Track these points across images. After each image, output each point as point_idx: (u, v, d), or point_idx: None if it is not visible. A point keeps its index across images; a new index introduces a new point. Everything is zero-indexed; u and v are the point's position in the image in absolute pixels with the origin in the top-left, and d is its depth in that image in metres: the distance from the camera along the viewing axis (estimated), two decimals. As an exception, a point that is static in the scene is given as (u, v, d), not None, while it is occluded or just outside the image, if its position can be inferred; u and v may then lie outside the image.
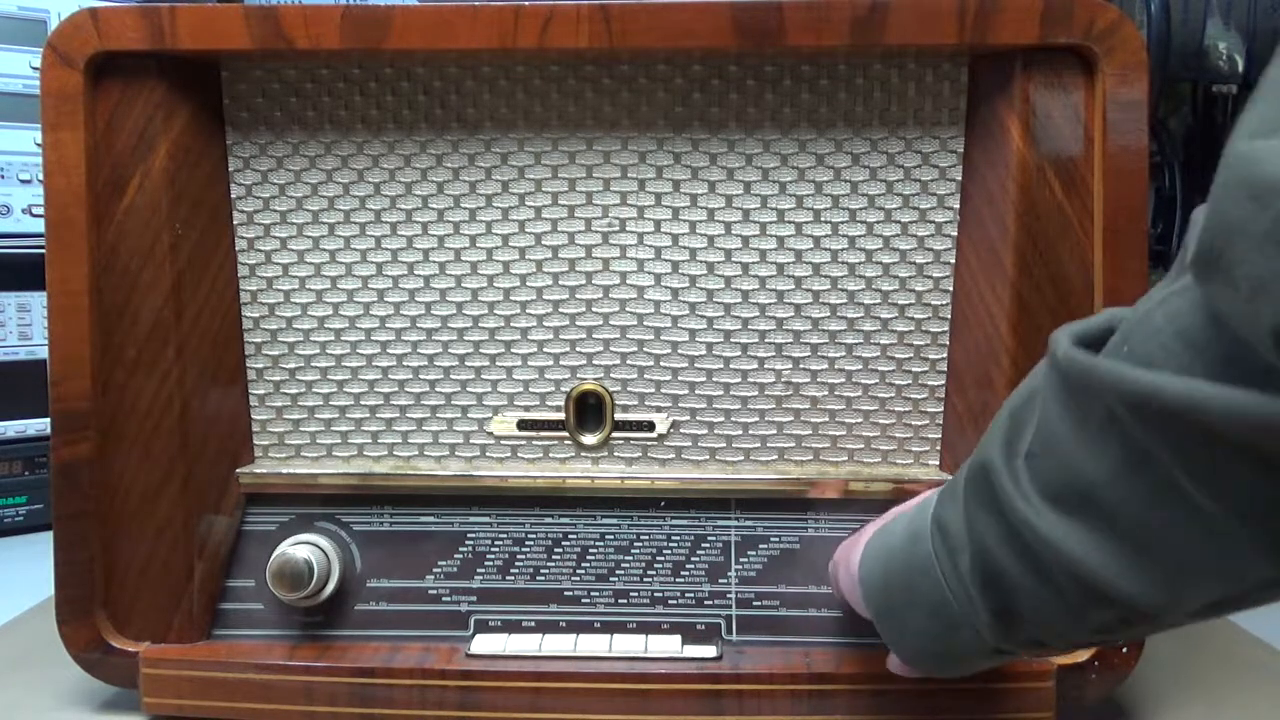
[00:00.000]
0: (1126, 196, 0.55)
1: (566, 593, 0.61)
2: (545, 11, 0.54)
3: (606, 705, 0.57)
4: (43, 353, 0.91)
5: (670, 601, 0.60)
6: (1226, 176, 0.28)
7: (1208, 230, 0.28)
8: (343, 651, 0.59)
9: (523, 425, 0.61)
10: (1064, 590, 0.36)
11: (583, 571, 0.61)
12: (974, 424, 0.58)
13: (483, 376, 0.61)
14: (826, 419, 0.61)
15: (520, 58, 0.58)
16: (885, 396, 0.60)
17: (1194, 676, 0.65)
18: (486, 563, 0.61)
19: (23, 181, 0.94)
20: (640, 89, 0.58)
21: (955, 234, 0.59)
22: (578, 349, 0.61)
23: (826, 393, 0.60)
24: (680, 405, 0.61)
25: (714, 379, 0.61)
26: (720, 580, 0.60)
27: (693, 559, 0.61)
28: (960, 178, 0.58)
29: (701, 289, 0.60)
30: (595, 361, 0.61)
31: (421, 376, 0.61)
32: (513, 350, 0.61)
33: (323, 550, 0.59)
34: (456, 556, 0.61)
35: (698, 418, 0.61)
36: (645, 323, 0.60)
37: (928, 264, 0.59)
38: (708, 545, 0.61)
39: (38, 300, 0.95)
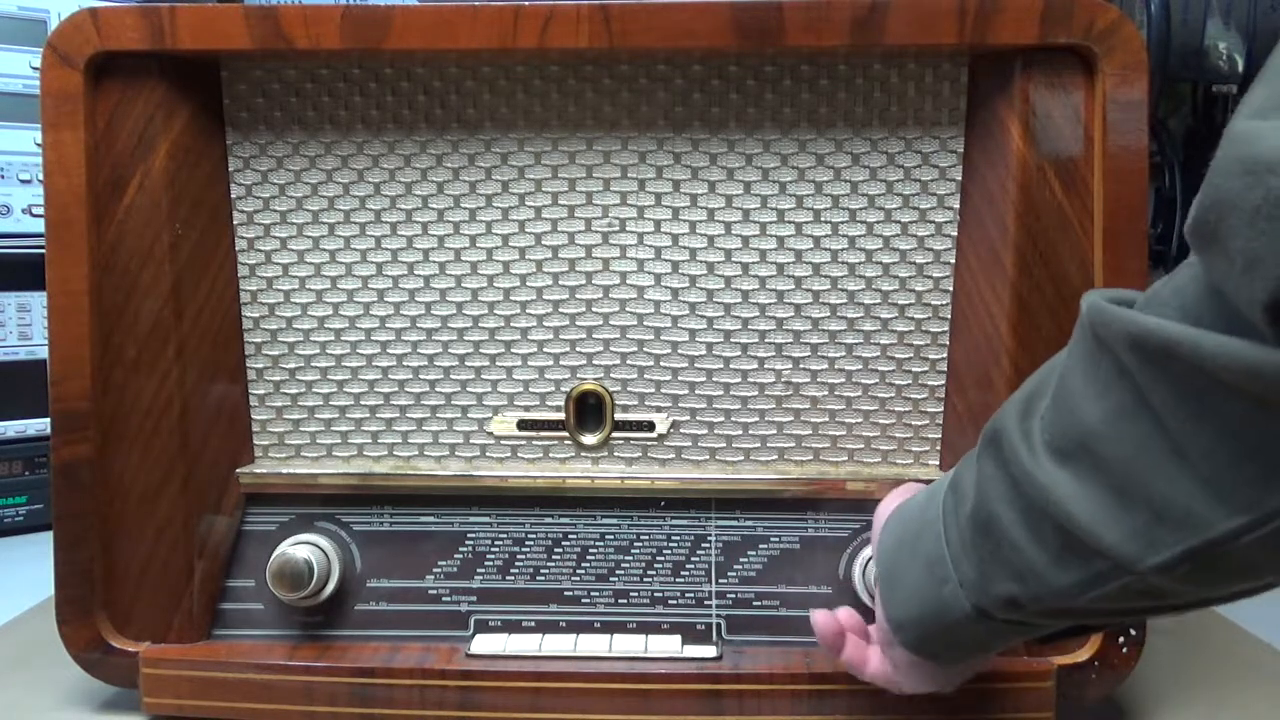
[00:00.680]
0: (1126, 196, 0.55)
1: (566, 593, 0.61)
2: (545, 11, 0.54)
3: (606, 705, 0.57)
4: (43, 353, 0.91)
5: (670, 601, 0.60)
6: (1224, 152, 0.29)
7: (1202, 204, 0.30)
8: (343, 651, 0.59)
9: (523, 425, 0.61)
10: (1047, 539, 0.38)
11: (583, 571, 0.61)
12: (974, 424, 0.58)
13: (483, 376, 0.61)
14: (826, 419, 0.61)
15: (520, 58, 0.58)
16: (885, 396, 0.60)
17: (1194, 676, 0.65)
18: (486, 563, 0.61)
19: (23, 181, 0.94)
20: (640, 89, 0.58)
21: (955, 234, 0.59)
22: (578, 349, 0.61)
23: (826, 393, 0.60)
24: (680, 405, 0.61)
25: (714, 379, 0.61)
26: (721, 580, 0.60)
27: (693, 559, 0.61)
28: (960, 178, 0.58)
29: (701, 289, 0.60)
30: (595, 361, 0.61)
31: (421, 376, 0.61)
32: (513, 350, 0.61)
33: (323, 550, 0.59)
34: (456, 556, 0.61)
35: (698, 418, 0.61)
36: (645, 323, 0.60)
37: (928, 264, 0.59)
38: (708, 545, 0.61)
39: (38, 300, 0.95)
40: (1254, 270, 0.28)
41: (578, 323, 0.60)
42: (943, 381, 0.60)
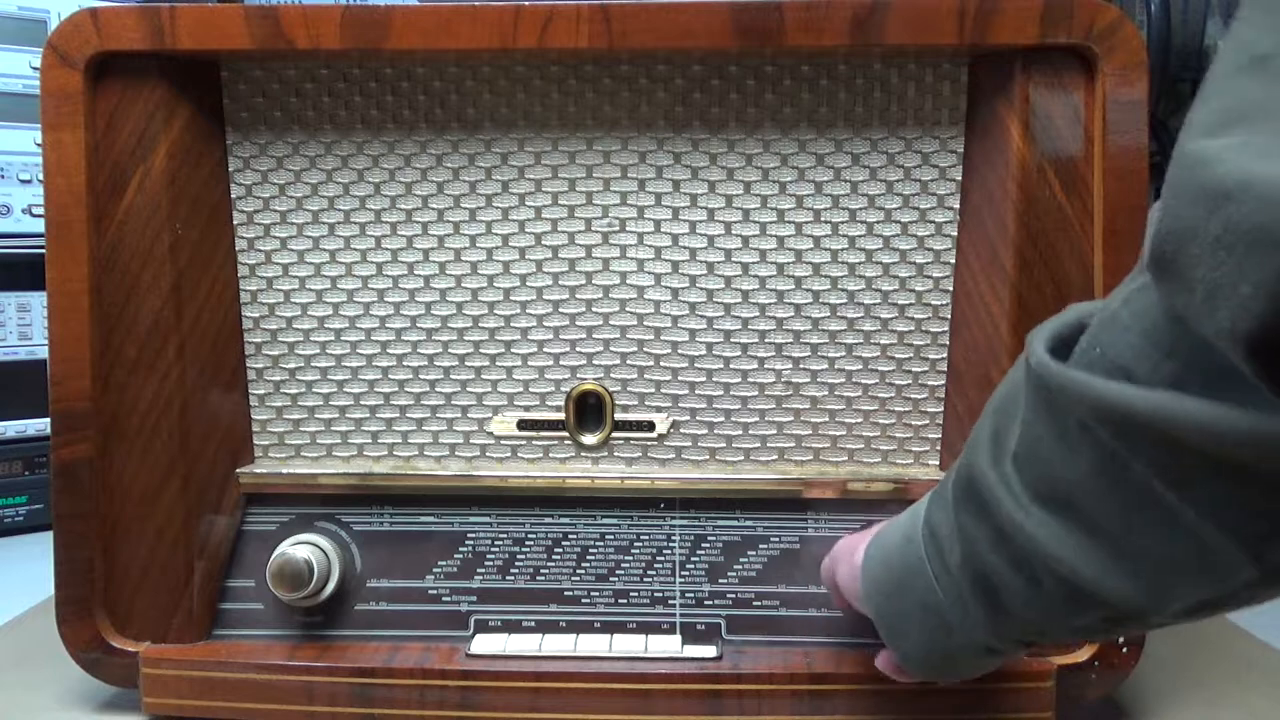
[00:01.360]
0: (1126, 196, 0.55)
1: (566, 593, 0.61)
2: (545, 12, 0.54)
3: (606, 705, 0.57)
4: (43, 353, 0.91)
5: (670, 601, 0.60)
6: (1177, 176, 0.28)
7: (1159, 233, 0.28)
8: (343, 651, 0.59)
9: (523, 425, 0.61)
10: (1050, 590, 0.37)
11: (583, 571, 0.61)
12: (974, 424, 0.58)
13: (483, 376, 0.61)
14: (826, 419, 0.61)
15: (520, 58, 0.58)
16: (885, 396, 0.60)
17: (1194, 676, 0.65)
18: (486, 563, 0.61)
19: (23, 181, 0.94)
20: (640, 89, 0.58)
21: (955, 234, 0.59)
22: (578, 349, 0.61)
23: (826, 393, 0.60)
24: (680, 405, 0.61)
25: (714, 379, 0.61)
26: (720, 580, 0.60)
27: (693, 559, 0.61)
28: (960, 178, 0.58)
29: (701, 289, 0.60)
30: (595, 361, 0.61)
31: (421, 376, 0.61)
32: (513, 350, 0.61)
33: (323, 550, 0.59)
34: (456, 556, 0.61)
35: (698, 418, 0.61)
36: (645, 323, 0.60)
37: (928, 264, 0.59)
38: (708, 545, 0.61)
39: (38, 300, 0.95)
40: (1215, 299, 0.26)
41: (578, 323, 0.60)
42: (943, 381, 0.60)
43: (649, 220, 0.59)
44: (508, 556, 0.61)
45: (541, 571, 0.61)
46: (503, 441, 0.62)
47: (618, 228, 0.60)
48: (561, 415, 0.61)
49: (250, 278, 0.61)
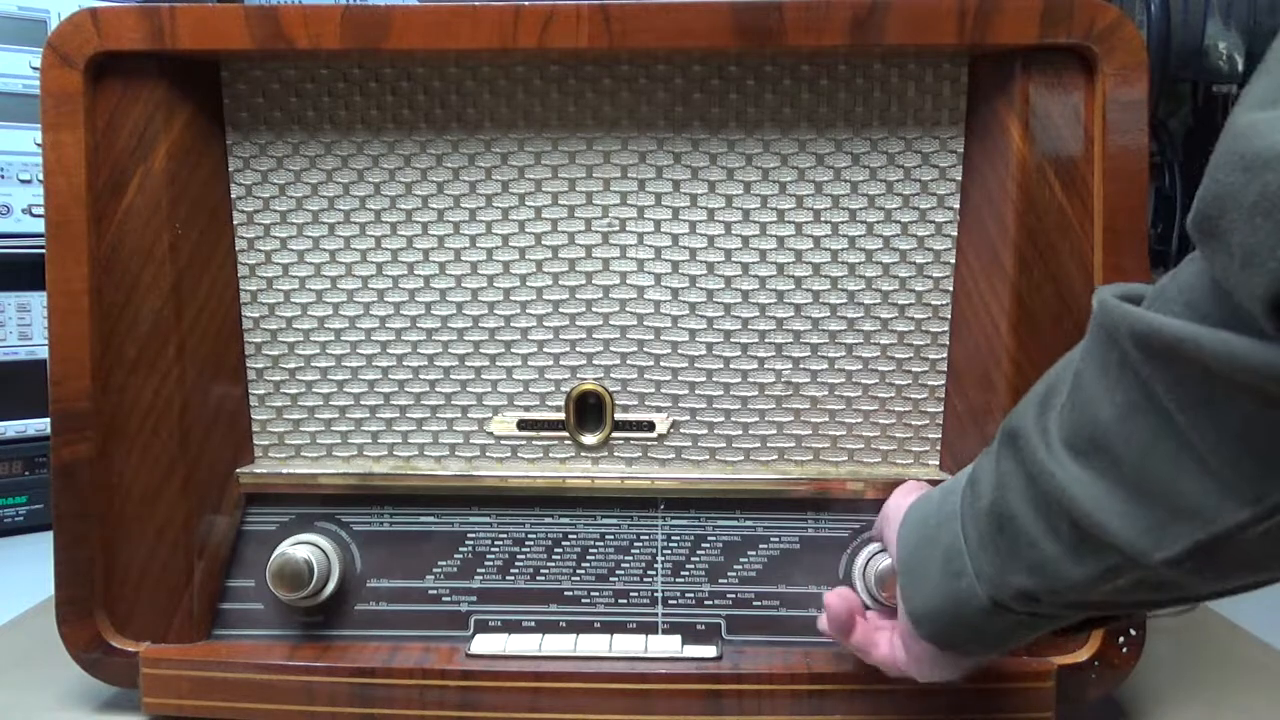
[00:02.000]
0: (1126, 196, 0.55)
1: (566, 593, 0.61)
2: (545, 11, 0.54)
3: (606, 705, 0.57)
4: (43, 353, 0.91)
5: (670, 601, 0.60)
6: (1224, 146, 0.29)
7: (1203, 198, 0.30)
8: (343, 651, 0.59)
9: (523, 425, 0.61)
10: (1062, 534, 0.39)
11: (583, 571, 0.61)
12: (974, 424, 0.58)
13: (483, 376, 0.61)
14: (826, 419, 0.61)
15: (520, 58, 0.58)
16: (885, 396, 0.60)
17: (1194, 676, 0.65)
18: (486, 563, 0.61)
19: (23, 181, 0.94)
20: (640, 89, 0.58)
21: (955, 234, 0.59)
22: (578, 349, 0.61)
23: (826, 393, 0.60)
24: (680, 405, 0.61)
25: (714, 379, 0.61)
26: (720, 580, 0.60)
27: (693, 559, 0.61)
28: (960, 178, 0.58)
29: (701, 289, 0.60)
30: (595, 361, 0.61)
31: (421, 376, 0.61)
32: (513, 350, 0.61)
33: (323, 550, 0.59)
34: (456, 556, 0.61)
35: (698, 418, 0.61)
36: (645, 323, 0.60)
37: (928, 264, 0.59)
38: (707, 545, 0.61)
39: (38, 300, 0.95)
40: (1251, 265, 0.28)
41: (578, 323, 0.60)
42: (943, 381, 0.60)
43: (649, 220, 0.59)
44: (508, 556, 0.61)
45: (541, 571, 0.61)
46: (503, 441, 0.62)
47: (618, 228, 0.60)
48: (561, 415, 0.61)
49: (250, 278, 0.61)
